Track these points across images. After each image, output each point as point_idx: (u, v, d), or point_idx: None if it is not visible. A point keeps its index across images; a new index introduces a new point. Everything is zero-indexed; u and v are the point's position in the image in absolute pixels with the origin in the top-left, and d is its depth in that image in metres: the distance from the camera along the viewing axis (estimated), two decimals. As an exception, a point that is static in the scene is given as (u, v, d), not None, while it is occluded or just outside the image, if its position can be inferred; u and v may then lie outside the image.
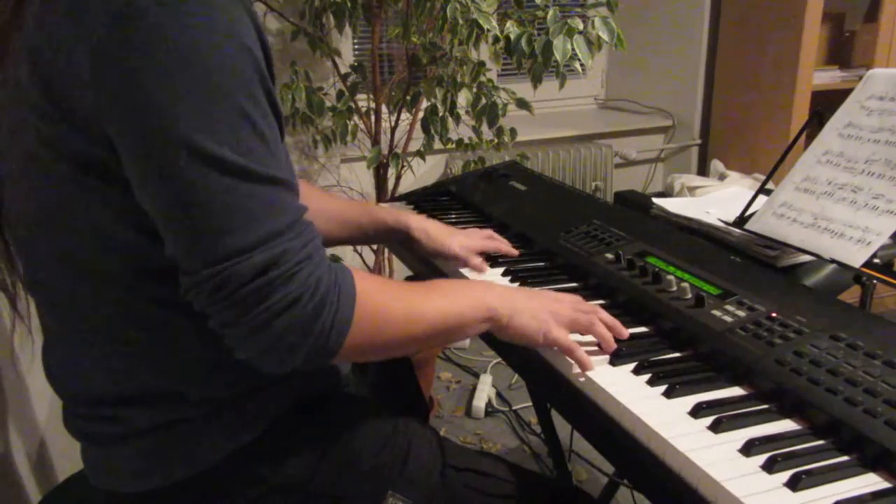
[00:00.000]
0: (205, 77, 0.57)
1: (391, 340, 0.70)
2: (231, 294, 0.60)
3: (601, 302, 0.91)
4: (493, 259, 1.06)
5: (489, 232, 1.09)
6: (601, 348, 0.79)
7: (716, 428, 0.64)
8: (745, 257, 0.95)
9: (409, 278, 1.23)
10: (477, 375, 2.25)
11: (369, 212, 1.09)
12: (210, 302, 0.61)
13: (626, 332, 0.81)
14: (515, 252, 1.07)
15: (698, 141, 2.70)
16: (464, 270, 1.02)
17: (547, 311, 0.79)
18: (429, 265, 1.10)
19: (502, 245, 1.07)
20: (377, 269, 2.06)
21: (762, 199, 1.03)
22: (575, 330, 0.79)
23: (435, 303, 0.74)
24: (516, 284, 0.98)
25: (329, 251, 1.66)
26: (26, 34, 0.61)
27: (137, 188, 0.61)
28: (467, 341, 2.42)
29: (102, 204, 0.64)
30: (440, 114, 1.79)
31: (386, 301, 0.70)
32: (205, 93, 0.57)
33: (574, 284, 0.98)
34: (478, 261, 1.01)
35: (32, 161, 0.64)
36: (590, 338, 0.80)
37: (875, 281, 0.87)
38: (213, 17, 0.57)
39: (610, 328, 0.80)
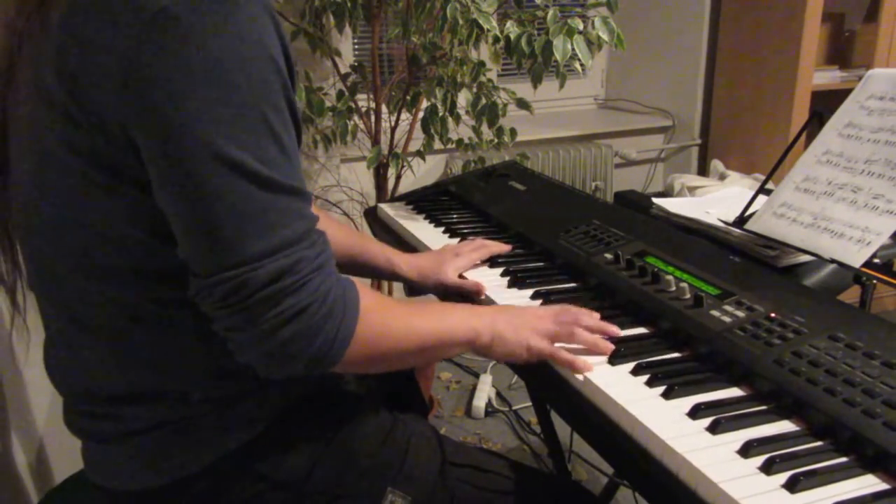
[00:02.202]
0: (232, 87, 0.58)
1: (387, 355, 0.73)
2: (244, 300, 0.61)
3: (599, 303, 0.91)
4: (491, 259, 1.07)
5: (478, 242, 1.10)
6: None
7: (714, 429, 0.64)
8: (744, 257, 0.94)
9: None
10: (477, 375, 2.25)
11: (363, 246, 1.09)
12: (221, 306, 0.61)
13: (617, 330, 0.82)
14: (508, 247, 1.10)
15: (698, 141, 2.70)
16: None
17: (527, 328, 0.81)
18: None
19: (493, 248, 1.09)
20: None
21: (762, 199, 1.03)
22: (557, 341, 0.80)
23: (427, 321, 0.76)
24: (515, 286, 0.98)
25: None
26: (52, 34, 0.61)
27: (157, 190, 0.62)
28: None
29: (116, 204, 0.64)
30: (440, 114, 1.79)
31: (386, 317, 0.72)
32: (231, 102, 0.58)
33: (573, 284, 0.98)
34: (472, 285, 1.00)
35: (49, 160, 0.64)
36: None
37: (875, 281, 0.87)
38: (243, 27, 0.58)
39: (598, 332, 0.80)
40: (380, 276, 1.11)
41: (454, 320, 0.79)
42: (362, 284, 0.71)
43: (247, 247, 0.60)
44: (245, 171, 0.59)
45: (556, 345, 0.80)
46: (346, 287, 0.68)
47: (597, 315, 0.83)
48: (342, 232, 1.09)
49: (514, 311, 0.84)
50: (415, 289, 1.20)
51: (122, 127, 0.60)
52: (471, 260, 1.06)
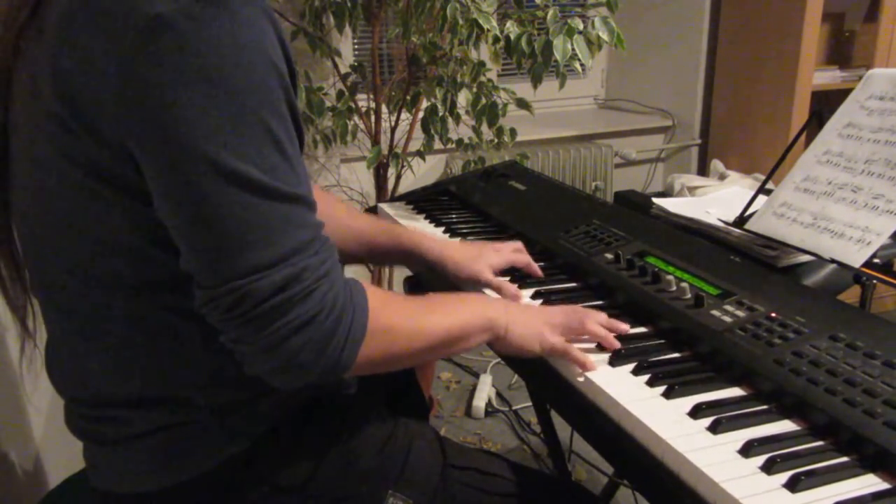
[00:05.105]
0: (231, 94, 0.57)
1: (398, 355, 0.71)
2: (249, 311, 0.60)
3: (600, 302, 0.91)
4: (521, 280, 1.00)
5: (517, 244, 1.04)
6: (603, 348, 0.79)
7: (715, 429, 0.64)
8: (744, 257, 0.94)
9: (407, 279, 1.23)
10: (477, 375, 2.25)
11: (390, 232, 1.06)
12: (226, 318, 0.61)
13: (626, 326, 0.83)
14: (540, 273, 1.01)
15: (698, 141, 2.70)
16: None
17: (540, 322, 0.81)
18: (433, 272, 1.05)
19: (530, 261, 1.01)
20: (376, 271, 2.06)
21: (762, 199, 1.03)
22: (568, 333, 0.81)
23: (438, 317, 0.75)
24: (515, 285, 0.98)
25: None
26: (46, 42, 0.60)
27: (158, 201, 0.61)
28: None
29: (116, 214, 0.63)
30: (440, 114, 1.79)
31: (394, 317, 0.71)
32: (231, 110, 0.57)
33: (574, 284, 0.98)
34: (512, 289, 0.95)
35: (47, 168, 0.64)
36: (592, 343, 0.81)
37: (875, 281, 0.87)
38: (240, 33, 0.57)
39: (606, 327, 0.81)
40: (411, 262, 1.06)
41: (468, 313, 0.78)
42: (368, 283, 0.71)
43: (250, 257, 0.59)
44: (246, 181, 0.58)
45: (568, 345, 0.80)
46: (353, 291, 0.66)
47: (604, 315, 0.83)
48: (367, 223, 1.06)
49: (524, 305, 0.85)
50: (414, 286, 1.19)
51: (118, 138, 0.59)
52: (508, 260, 1.00)
